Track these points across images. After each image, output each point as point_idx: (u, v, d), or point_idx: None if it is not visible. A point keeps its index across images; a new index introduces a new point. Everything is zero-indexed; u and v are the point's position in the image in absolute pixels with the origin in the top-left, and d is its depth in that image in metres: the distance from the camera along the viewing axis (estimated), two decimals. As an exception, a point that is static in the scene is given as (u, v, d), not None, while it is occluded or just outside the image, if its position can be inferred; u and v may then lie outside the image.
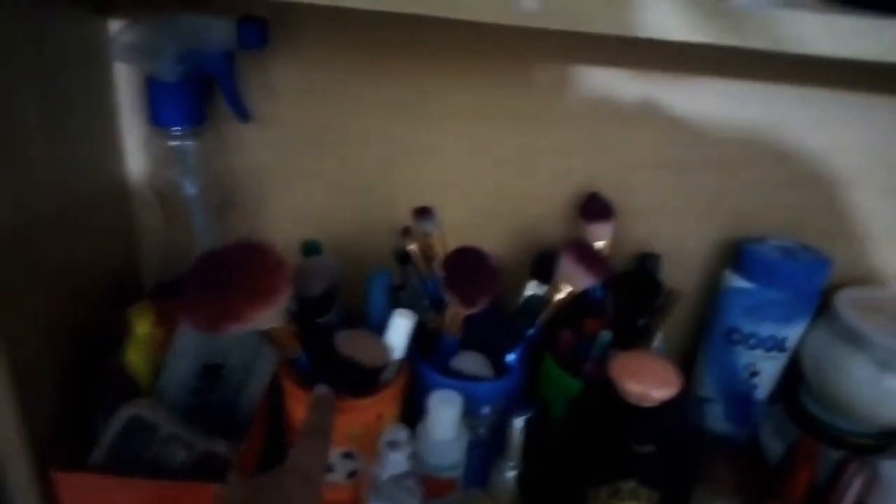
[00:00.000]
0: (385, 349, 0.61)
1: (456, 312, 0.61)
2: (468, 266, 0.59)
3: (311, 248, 0.65)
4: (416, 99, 0.69)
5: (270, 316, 0.53)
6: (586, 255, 0.64)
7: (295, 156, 0.71)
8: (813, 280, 0.69)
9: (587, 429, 0.60)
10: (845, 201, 0.72)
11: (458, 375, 0.65)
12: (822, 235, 0.73)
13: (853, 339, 0.66)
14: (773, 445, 0.74)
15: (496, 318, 0.71)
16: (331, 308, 0.62)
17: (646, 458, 0.57)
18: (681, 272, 0.75)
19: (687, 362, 0.79)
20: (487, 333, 0.70)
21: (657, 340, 0.68)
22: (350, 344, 0.61)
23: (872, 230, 0.74)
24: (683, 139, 0.69)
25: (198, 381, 0.62)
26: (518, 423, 0.66)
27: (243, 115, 0.64)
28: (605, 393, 0.57)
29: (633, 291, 0.69)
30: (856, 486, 0.65)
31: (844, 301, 0.69)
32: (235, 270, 0.51)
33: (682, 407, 0.59)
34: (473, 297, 0.59)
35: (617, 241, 0.72)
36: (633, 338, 0.67)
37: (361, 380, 0.60)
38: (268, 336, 0.58)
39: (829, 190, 0.72)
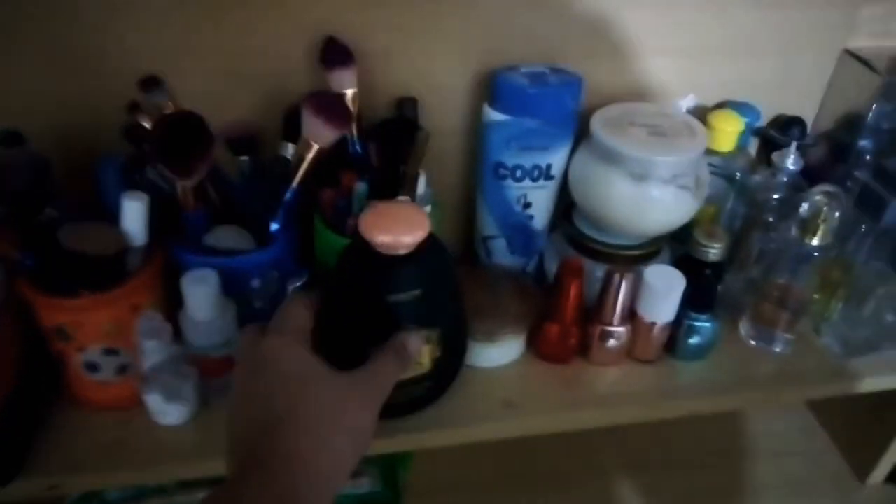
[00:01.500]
0: (118, 236, 0.57)
1: (183, 186, 0.57)
2: (179, 133, 0.55)
3: (9, 139, 0.58)
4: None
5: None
6: (325, 106, 0.61)
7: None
8: (565, 103, 0.68)
9: (353, 288, 0.58)
10: (595, 17, 0.71)
11: (212, 252, 0.62)
12: (579, 56, 0.72)
13: (609, 156, 0.67)
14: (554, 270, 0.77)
15: (253, 187, 0.68)
16: (46, 202, 0.57)
17: (414, 303, 0.57)
18: (445, 112, 0.73)
19: (468, 203, 0.79)
20: (247, 204, 0.67)
21: (421, 186, 0.67)
22: (77, 237, 0.56)
23: (626, 44, 0.73)
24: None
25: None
26: (292, 289, 0.65)
27: None
28: (363, 248, 0.56)
29: (391, 138, 0.67)
30: (622, 293, 0.68)
31: (599, 120, 0.70)
32: None
33: (438, 246, 0.58)
34: (186, 166, 0.55)
35: (372, 87, 0.69)
36: (395, 186, 0.65)
37: (96, 272, 0.56)
38: (-30, 242, 0.52)
39: (578, 7, 0.70)
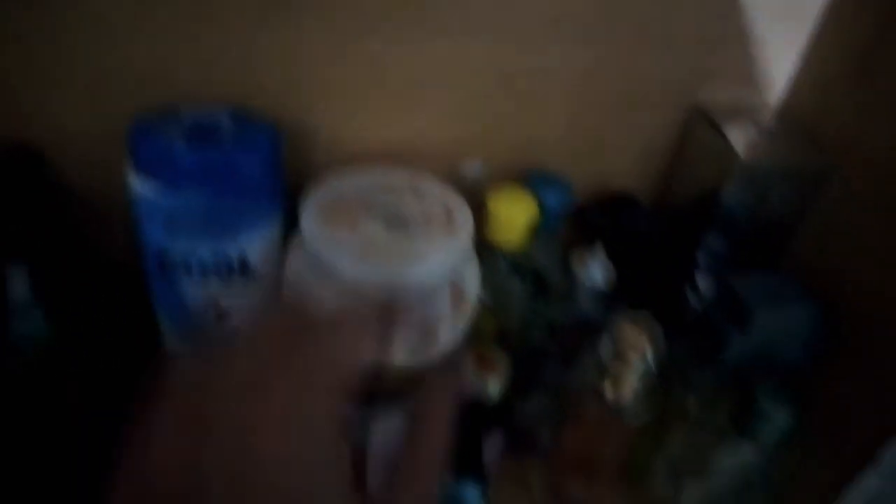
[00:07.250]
0: None
1: None
2: None
3: None
4: None
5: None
6: None
7: None
8: (253, 168, 0.45)
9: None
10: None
11: None
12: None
13: (322, 268, 0.44)
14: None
15: None
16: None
17: None
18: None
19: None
20: None
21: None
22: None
23: (373, 78, 0.50)
24: None
25: None
26: None
27: None
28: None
29: None
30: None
31: (316, 204, 0.46)
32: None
33: None
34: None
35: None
36: None
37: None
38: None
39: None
